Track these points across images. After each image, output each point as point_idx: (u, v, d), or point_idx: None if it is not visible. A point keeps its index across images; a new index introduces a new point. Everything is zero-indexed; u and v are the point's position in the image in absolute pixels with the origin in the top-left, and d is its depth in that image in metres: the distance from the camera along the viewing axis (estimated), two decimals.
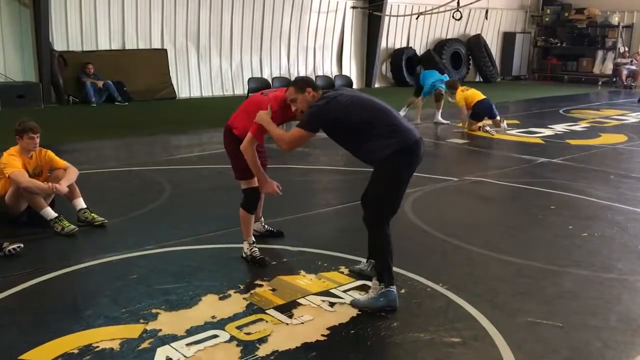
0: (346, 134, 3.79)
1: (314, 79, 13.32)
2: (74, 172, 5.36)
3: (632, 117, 12.71)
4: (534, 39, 21.86)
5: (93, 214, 5.28)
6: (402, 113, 10.87)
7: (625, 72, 19.18)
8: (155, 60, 13.98)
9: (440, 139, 9.89)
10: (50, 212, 5.12)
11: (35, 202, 5.11)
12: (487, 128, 10.29)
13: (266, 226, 5.12)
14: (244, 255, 4.55)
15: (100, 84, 12.84)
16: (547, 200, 6.43)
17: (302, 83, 4.00)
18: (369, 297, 3.81)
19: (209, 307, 3.78)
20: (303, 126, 3.77)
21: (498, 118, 10.35)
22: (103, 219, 5.28)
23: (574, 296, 4.09)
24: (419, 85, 11.18)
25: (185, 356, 3.21)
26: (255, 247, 4.55)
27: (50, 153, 5.43)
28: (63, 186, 5.15)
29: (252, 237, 4.58)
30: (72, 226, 5.07)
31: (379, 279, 3.80)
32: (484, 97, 10.39)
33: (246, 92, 11.90)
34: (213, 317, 3.64)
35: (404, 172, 3.75)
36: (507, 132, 10.48)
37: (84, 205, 5.31)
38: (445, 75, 11.69)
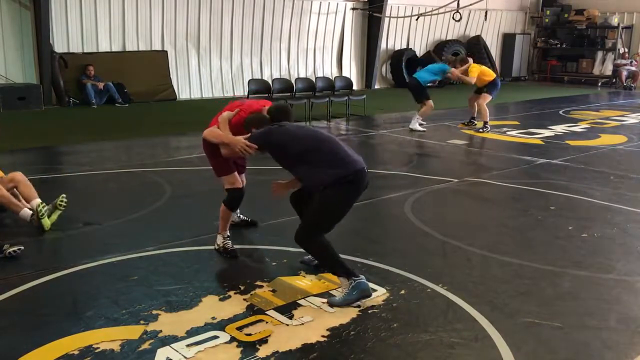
0: (291, 161, 3.97)
1: (314, 80, 13.33)
2: (24, 177, 5.38)
3: (631, 118, 12.72)
4: (533, 40, 21.86)
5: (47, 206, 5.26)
6: (419, 121, 10.80)
7: (625, 73, 19.19)
8: (156, 62, 13.99)
9: (440, 140, 9.90)
10: (27, 213, 5.15)
11: (12, 208, 5.16)
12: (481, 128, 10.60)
13: (241, 216, 5.33)
14: (216, 247, 4.70)
15: (100, 85, 12.86)
16: (546, 201, 6.44)
17: (249, 125, 4.20)
18: (342, 294, 3.89)
19: (209, 308, 3.79)
20: (251, 140, 4.02)
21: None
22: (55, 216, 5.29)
23: (573, 297, 4.10)
24: (421, 87, 10.76)
25: (185, 357, 3.21)
26: (229, 240, 4.69)
27: None
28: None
29: (228, 231, 4.73)
30: (47, 221, 5.13)
31: (341, 276, 3.91)
32: (495, 75, 11.02)
33: (246, 93, 11.90)
34: (213, 318, 3.65)
35: (345, 200, 3.89)
36: (507, 133, 10.53)
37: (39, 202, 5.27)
38: (435, 64, 11.63)
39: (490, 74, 10.83)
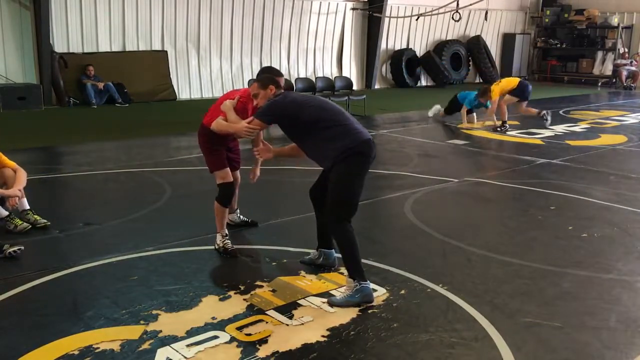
0: (299, 131, 4.01)
1: (314, 80, 13.35)
2: (25, 175, 5.23)
3: (631, 118, 12.72)
4: (533, 40, 21.86)
5: (36, 216, 5.24)
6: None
7: (624, 73, 19.18)
8: (156, 62, 13.99)
9: (440, 140, 9.90)
10: (1, 211, 5.14)
11: None
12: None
13: (241, 217, 5.35)
14: (216, 247, 4.70)
15: (100, 85, 12.85)
16: (546, 201, 6.44)
17: (267, 80, 4.21)
18: (345, 294, 3.90)
19: (209, 308, 3.78)
20: (258, 116, 4.03)
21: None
22: (46, 220, 5.23)
23: (573, 297, 4.10)
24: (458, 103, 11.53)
25: (185, 357, 3.21)
26: (229, 239, 4.70)
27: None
28: (16, 190, 5.04)
29: (225, 229, 4.74)
30: (25, 224, 5.09)
31: (351, 276, 3.92)
32: (519, 80, 11.41)
33: None
34: (213, 318, 3.65)
35: (356, 171, 3.92)
36: (507, 133, 10.55)
37: (27, 207, 5.26)
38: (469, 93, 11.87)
39: (513, 81, 11.20)
